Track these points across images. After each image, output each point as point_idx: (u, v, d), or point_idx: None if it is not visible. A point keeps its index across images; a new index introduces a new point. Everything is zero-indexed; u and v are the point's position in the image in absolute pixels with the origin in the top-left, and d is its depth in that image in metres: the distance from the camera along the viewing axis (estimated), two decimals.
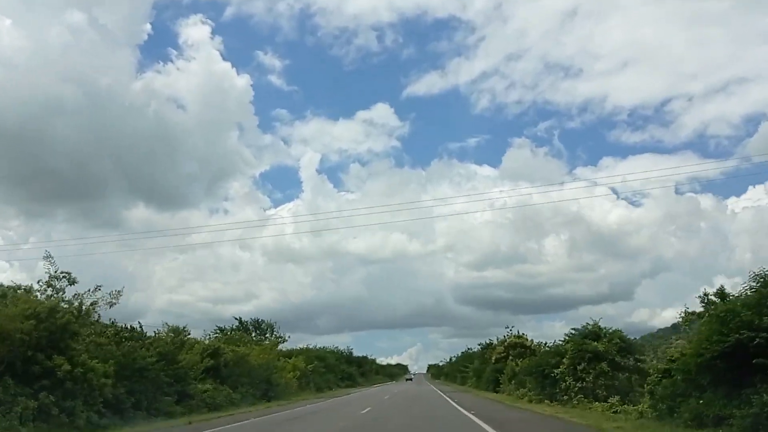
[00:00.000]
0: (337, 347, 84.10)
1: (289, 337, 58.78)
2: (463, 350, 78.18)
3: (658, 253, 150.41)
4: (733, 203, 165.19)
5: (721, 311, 12.64)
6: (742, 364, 11.77)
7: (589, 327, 26.03)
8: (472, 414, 19.88)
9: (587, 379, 23.67)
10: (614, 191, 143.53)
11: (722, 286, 15.94)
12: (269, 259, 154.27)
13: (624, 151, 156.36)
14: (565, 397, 24.43)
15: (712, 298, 16.20)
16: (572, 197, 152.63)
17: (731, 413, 11.79)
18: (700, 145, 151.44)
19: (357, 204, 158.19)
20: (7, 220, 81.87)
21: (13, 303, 17.86)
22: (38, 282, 19.41)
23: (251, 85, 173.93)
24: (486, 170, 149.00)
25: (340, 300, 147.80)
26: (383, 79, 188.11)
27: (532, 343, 43.78)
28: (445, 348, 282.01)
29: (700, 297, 16.13)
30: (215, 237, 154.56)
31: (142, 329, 32.76)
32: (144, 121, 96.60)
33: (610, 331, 25.67)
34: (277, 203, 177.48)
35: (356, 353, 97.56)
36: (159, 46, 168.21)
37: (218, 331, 49.82)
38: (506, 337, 45.99)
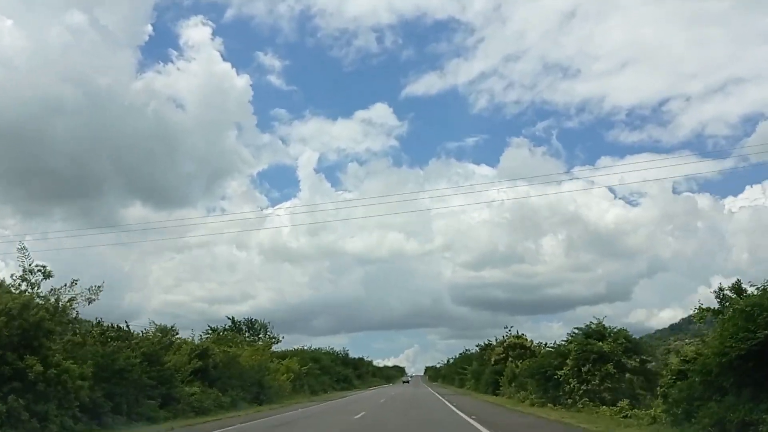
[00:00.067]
0: (332, 348, 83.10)
1: (283, 337, 57.72)
2: (461, 351, 77.08)
3: (656, 252, 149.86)
4: (730, 203, 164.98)
5: (746, 306, 11.53)
6: None
7: (593, 326, 24.98)
8: (473, 419, 18.76)
9: (593, 382, 22.62)
10: (612, 191, 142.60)
11: (738, 281, 14.93)
12: (266, 259, 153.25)
13: (622, 151, 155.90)
14: (569, 401, 23.37)
15: (728, 293, 15.19)
16: (570, 197, 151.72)
17: (759, 418, 10.72)
18: (698, 144, 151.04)
19: (355, 203, 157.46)
20: (4, 218, 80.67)
21: None
22: (11, 276, 18.19)
23: (250, 85, 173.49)
24: (484, 170, 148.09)
25: (336, 300, 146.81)
26: (382, 79, 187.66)
27: (532, 343, 42.72)
28: (443, 349, 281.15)
29: (715, 292, 15.08)
30: (212, 236, 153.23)
31: (129, 329, 31.92)
32: (143, 120, 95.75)
33: (615, 330, 24.66)
34: (274, 202, 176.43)
35: (353, 355, 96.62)
36: (160, 47, 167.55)
37: (210, 331, 48.63)
38: (505, 337, 44.91)
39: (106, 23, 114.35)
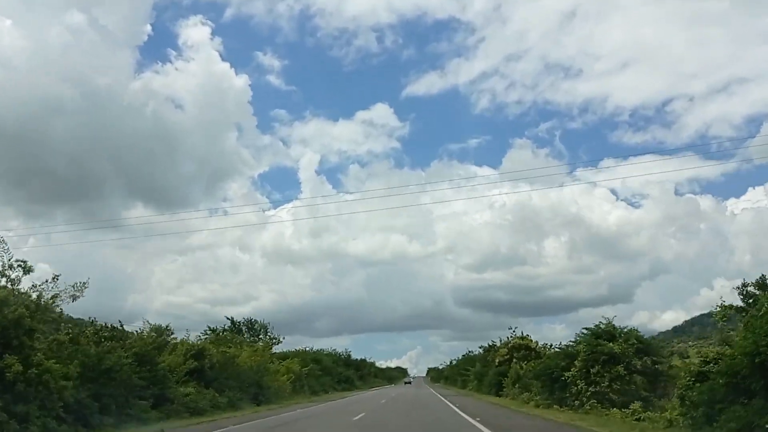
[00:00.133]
0: (334, 350, 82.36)
1: (283, 338, 56.82)
2: (464, 353, 76.19)
3: (658, 254, 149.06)
4: (732, 204, 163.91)
5: None
6: None
7: (603, 326, 24.07)
8: (478, 421, 17.83)
9: (602, 383, 21.71)
10: (614, 192, 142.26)
11: (763, 276, 14.00)
12: (268, 261, 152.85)
13: (625, 152, 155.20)
14: (576, 402, 22.47)
15: (752, 290, 14.29)
16: (572, 199, 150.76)
17: None
18: (702, 146, 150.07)
19: (356, 205, 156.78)
20: (6, 220, 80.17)
21: None
22: None
23: (250, 85, 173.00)
24: (486, 171, 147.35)
25: (339, 302, 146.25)
26: (383, 79, 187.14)
27: (537, 344, 41.80)
28: (445, 351, 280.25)
29: (738, 288, 14.13)
30: (214, 238, 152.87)
31: (123, 328, 31.15)
32: (143, 121, 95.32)
33: (626, 330, 23.74)
34: (276, 204, 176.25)
35: (355, 356, 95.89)
36: (159, 47, 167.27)
37: (209, 332, 47.82)
38: (510, 338, 43.98)
39: (105, 23, 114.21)
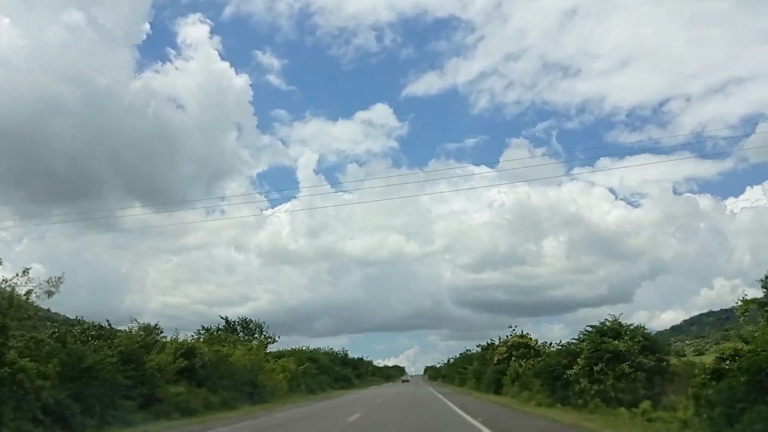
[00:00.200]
0: (332, 349, 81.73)
1: (278, 337, 55.99)
2: (462, 352, 75.47)
3: (657, 254, 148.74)
4: (731, 204, 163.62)
5: None
6: None
7: (608, 323, 23.27)
8: (480, 422, 16.95)
9: (607, 382, 20.90)
10: (613, 192, 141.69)
11: None
12: (265, 261, 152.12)
13: (622, 152, 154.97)
14: (580, 401, 21.68)
15: None
16: (571, 198, 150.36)
17: None
18: (698, 145, 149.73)
19: (354, 204, 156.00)
20: (3, 220, 79.22)
21: None
22: None
23: (250, 85, 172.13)
24: (484, 171, 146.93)
25: (337, 302, 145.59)
26: (382, 79, 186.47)
27: (536, 343, 41.06)
28: (443, 350, 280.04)
29: (761, 281, 13.30)
30: (211, 238, 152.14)
31: (111, 327, 30.33)
32: (142, 121, 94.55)
33: (632, 327, 22.94)
34: (274, 204, 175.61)
35: (353, 355, 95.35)
36: (158, 46, 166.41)
37: (203, 331, 46.97)
38: (509, 337, 43.21)
39: (103, 22, 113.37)
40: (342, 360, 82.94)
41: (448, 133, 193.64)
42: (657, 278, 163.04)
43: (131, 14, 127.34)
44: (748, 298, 14.08)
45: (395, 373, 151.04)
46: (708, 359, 14.52)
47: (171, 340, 29.65)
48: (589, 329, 23.78)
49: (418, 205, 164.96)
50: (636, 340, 21.88)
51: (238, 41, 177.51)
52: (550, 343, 39.44)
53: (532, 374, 29.84)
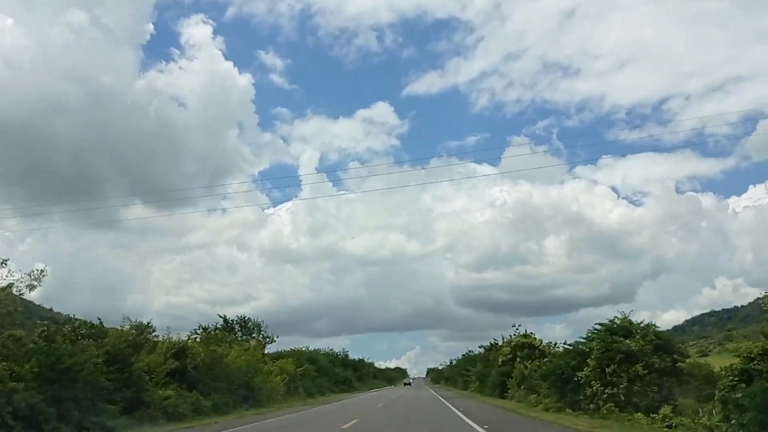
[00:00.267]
0: (332, 349, 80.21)
1: (277, 337, 54.54)
2: (464, 353, 74.05)
3: (659, 253, 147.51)
4: (734, 202, 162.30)
5: None
6: None
7: (618, 321, 22.05)
8: (486, 429, 15.73)
9: (620, 385, 19.69)
10: (615, 190, 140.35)
11: None
12: (267, 260, 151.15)
13: (623, 150, 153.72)
14: (591, 406, 20.47)
15: None
16: (573, 197, 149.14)
17: None
18: (699, 143, 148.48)
19: (356, 203, 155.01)
20: (5, 218, 78.42)
21: None
22: None
23: (253, 84, 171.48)
24: (485, 169, 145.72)
25: (338, 302, 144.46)
26: (383, 78, 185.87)
27: (541, 343, 39.79)
28: (445, 351, 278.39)
29: None
30: (213, 237, 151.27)
31: (102, 325, 29.21)
32: (145, 120, 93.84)
33: (643, 325, 21.72)
34: (276, 202, 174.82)
35: (355, 356, 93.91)
36: (161, 46, 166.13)
37: (201, 330, 45.74)
38: (513, 337, 41.94)
39: (107, 22, 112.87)
40: (342, 361, 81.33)
41: (449, 131, 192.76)
42: (659, 277, 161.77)
43: (134, 15, 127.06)
44: None
45: (397, 376, 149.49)
46: (715, 360, 13.27)
47: (163, 339, 28.52)
48: (598, 327, 22.57)
49: (419, 204, 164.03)
50: (648, 339, 20.70)
51: (241, 41, 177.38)
52: (556, 344, 38.28)
53: (538, 376, 28.64)
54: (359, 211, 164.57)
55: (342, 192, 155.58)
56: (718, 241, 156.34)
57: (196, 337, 38.09)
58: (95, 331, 28.21)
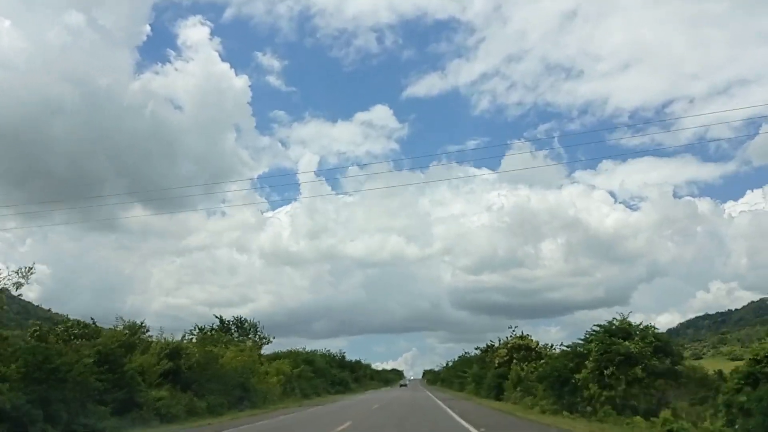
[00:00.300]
0: (329, 351, 79.95)
1: (273, 338, 54.21)
2: (460, 354, 73.78)
3: (655, 257, 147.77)
4: (730, 207, 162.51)
5: None
6: None
7: (617, 323, 21.78)
8: None
9: (618, 387, 19.40)
10: (612, 195, 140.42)
11: None
12: (266, 263, 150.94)
13: (624, 154, 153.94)
14: (589, 408, 20.17)
15: None
16: (570, 201, 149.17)
17: None
18: (701, 148, 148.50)
19: (355, 206, 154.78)
20: (5, 220, 77.97)
21: None
22: None
23: (249, 86, 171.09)
24: (485, 173, 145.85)
25: (336, 304, 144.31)
26: (383, 80, 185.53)
27: (537, 345, 39.53)
28: (441, 353, 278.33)
29: None
30: (213, 239, 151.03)
31: (95, 325, 28.91)
32: (142, 121, 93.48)
33: (642, 327, 21.46)
34: (274, 206, 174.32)
35: (352, 358, 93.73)
36: (158, 48, 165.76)
37: (197, 331, 45.43)
38: (509, 338, 41.65)
39: (104, 23, 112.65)
40: (339, 362, 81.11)
41: (450, 134, 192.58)
42: (653, 281, 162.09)
43: (132, 16, 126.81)
44: None
45: (393, 377, 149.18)
46: (709, 363, 12.98)
47: (157, 339, 28.18)
48: (597, 329, 22.30)
49: (418, 207, 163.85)
50: (647, 340, 20.44)
51: (239, 43, 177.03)
52: (552, 345, 38.06)
53: (535, 378, 28.37)
54: (358, 214, 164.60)
55: (341, 195, 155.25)
56: (714, 246, 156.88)
57: (192, 338, 37.80)
58: (88, 331, 27.91)
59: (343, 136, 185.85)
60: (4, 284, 15.45)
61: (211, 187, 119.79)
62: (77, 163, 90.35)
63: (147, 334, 28.52)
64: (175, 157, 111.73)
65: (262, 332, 53.60)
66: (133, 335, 27.31)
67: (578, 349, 23.02)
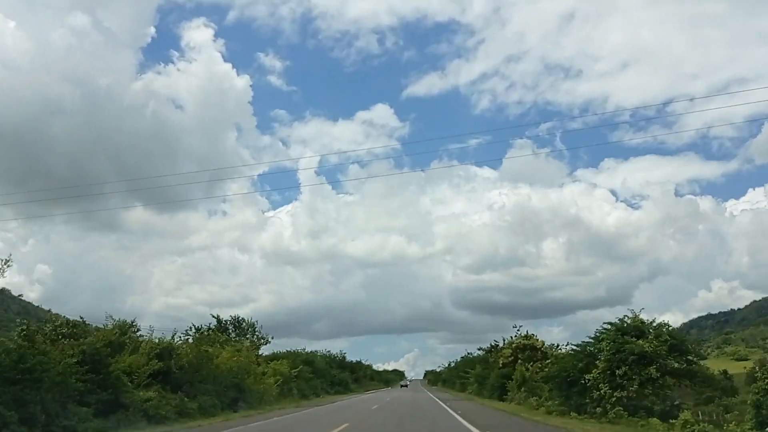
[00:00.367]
0: (329, 351, 78.98)
1: (272, 338, 53.12)
2: (462, 355, 72.88)
3: (657, 256, 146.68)
4: (732, 206, 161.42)
5: None
6: None
7: (629, 320, 20.74)
8: None
9: (631, 388, 18.37)
10: (614, 193, 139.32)
11: None
12: (267, 262, 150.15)
13: (626, 153, 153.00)
14: (599, 409, 19.15)
15: None
16: (572, 200, 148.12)
17: None
18: (703, 146, 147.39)
19: (356, 205, 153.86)
20: (6, 221, 77.17)
21: None
22: None
23: (251, 86, 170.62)
24: (486, 172, 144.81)
25: (337, 304, 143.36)
26: (383, 79, 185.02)
27: (543, 344, 38.56)
28: (443, 354, 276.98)
29: None
30: (213, 239, 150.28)
31: (85, 324, 27.94)
32: (143, 121, 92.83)
33: (655, 325, 20.43)
34: (275, 205, 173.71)
35: (353, 359, 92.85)
36: (162, 49, 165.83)
37: (193, 330, 44.42)
38: (513, 338, 40.66)
39: (109, 25, 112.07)
40: (339, 363, 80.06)
41: (450, 133, 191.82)
42: (655, 280, 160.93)
43: (136, 18, 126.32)
44: None
45: (394, 378, 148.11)
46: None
47: (147, 339, 27.16)
48: (608, 327, 21.26)
49: (419, 206, 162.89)
50: (662, 339, 19.40)
51: (241, 44, 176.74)
52: (558, 345, 37.15)
53: (541, 378, 27.41)
54: (359, 214, 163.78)
55: (342, 194, 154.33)
56: (715, 244, 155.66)
57: (188, 338, 36.78)
58: (77, 331, 26.93)
59: (344, 135, 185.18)
60: None
61: (211, 186, 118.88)
62: (78, 162, 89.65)
63: (138, 333, 27.56)
64: (176, 156, 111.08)
65: (260, 332, 52.63)
66: (123, 335, 26.34)
67: (588, 348, 22.03)
